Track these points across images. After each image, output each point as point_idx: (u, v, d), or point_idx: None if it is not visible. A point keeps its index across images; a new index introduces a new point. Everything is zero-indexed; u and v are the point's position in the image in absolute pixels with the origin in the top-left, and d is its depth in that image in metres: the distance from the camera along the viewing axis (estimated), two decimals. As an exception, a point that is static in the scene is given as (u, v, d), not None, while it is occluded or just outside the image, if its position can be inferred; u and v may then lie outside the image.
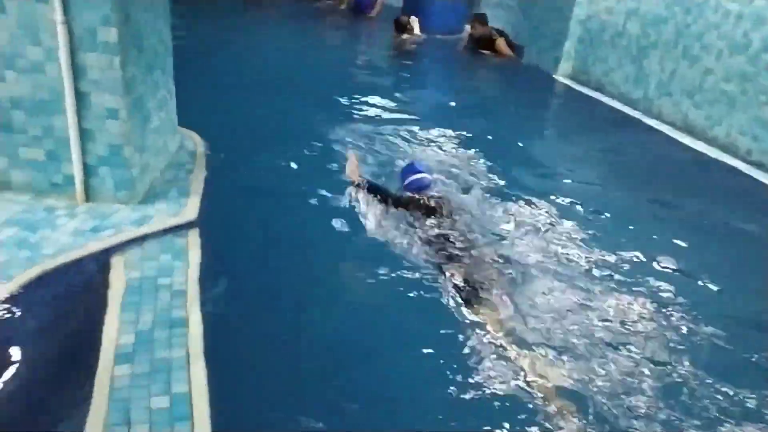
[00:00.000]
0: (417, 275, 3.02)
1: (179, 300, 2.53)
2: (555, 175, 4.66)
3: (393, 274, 3.03)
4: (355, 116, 5.44)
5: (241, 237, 3.40)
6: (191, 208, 3.13)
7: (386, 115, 5.55)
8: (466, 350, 2.56)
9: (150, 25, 3.12)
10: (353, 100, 5.82)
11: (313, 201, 3.86)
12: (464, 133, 5.17)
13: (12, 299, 2.35)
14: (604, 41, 6.80)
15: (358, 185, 3.65)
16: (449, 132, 5.19)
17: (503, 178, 4.31)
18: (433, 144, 4.93)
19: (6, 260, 2.52)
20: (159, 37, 3.30)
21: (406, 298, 2.89)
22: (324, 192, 3.92)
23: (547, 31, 7.51)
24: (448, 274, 2.99)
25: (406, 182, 3.70)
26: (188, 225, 3.04)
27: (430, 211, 3.40)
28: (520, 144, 5.26)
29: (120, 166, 2.96)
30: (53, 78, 2.75)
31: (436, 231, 3.29)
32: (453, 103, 6.34)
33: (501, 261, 3.16)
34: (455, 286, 2.92)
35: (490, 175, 4.35)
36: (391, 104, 5.88)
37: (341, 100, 5.82)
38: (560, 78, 7.29)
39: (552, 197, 4.06)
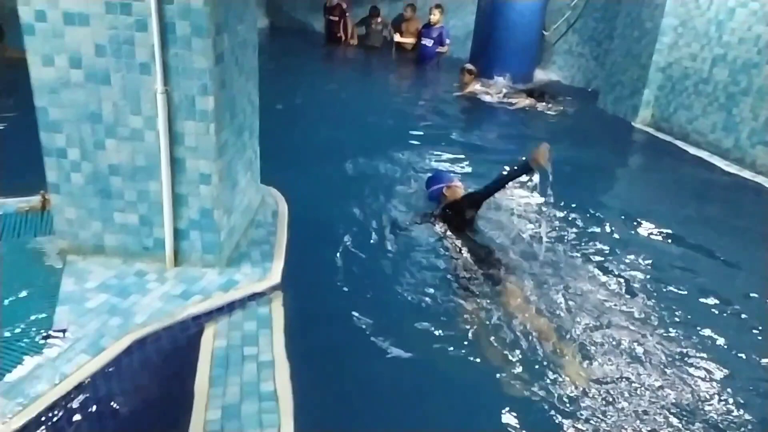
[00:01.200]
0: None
1: (266, 371, 2.45)
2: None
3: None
4: (426, 170, 5.35)
5: (326, 299, 3.33)
6: (275, 272, 3.08)
7: (466, 168, 5.45)
8: None
9: (242, 89, 3.16)
10: (429, 153, 5.75)
11: (395, 255, 3.78)
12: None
13: (102, 372, 2.32)
14: (686, 88, 6.50)
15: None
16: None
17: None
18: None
19: (98, 328, 2.51)
20: (248, 99, 3.33)
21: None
22: (405, 245, 3.86)
23: (624, 79, 7.27)
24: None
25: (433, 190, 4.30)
26: (272, 288, 2.98)
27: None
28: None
29: (209, 229, 2.95)
30: (151, 145, 2.80)
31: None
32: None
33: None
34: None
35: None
36: (466, 156, 5.78)
37: (414, 152, 5.76)
38: (639, 125, 7.01)
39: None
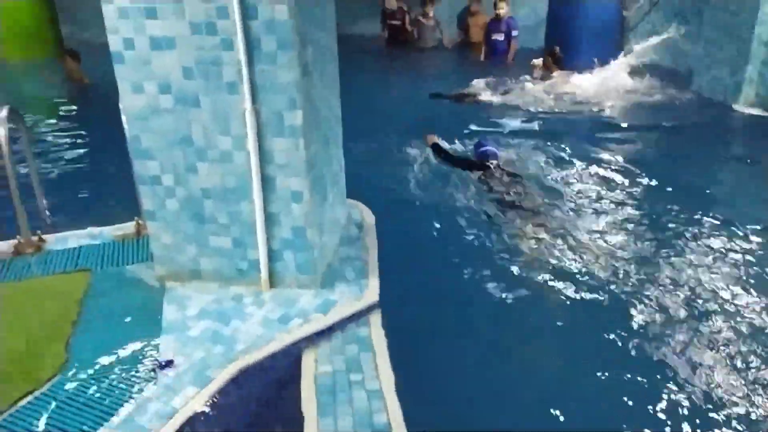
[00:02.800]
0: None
1: (377, 402, 2.29)
2: None
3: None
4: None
5: (425, 315, 3.18)
6: (371, 290, 2.93)
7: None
8: None
9: (326, 100, 3.05)
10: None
11: (491, 268, 3.57)
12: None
13: (210, 404, 2.24)
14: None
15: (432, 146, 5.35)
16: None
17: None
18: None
19: (203, 357, 2.45)
20: (331, 110, 3.22)
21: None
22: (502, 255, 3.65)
23: (721, 57, 6.67)
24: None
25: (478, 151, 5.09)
26: (370, 308, 2.84)
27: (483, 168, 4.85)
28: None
29: (303, 249, 2.85)
30: (240, 165, 2.73)
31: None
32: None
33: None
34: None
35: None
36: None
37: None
38: (742, 107, 6.40)
39: None
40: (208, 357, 2.44)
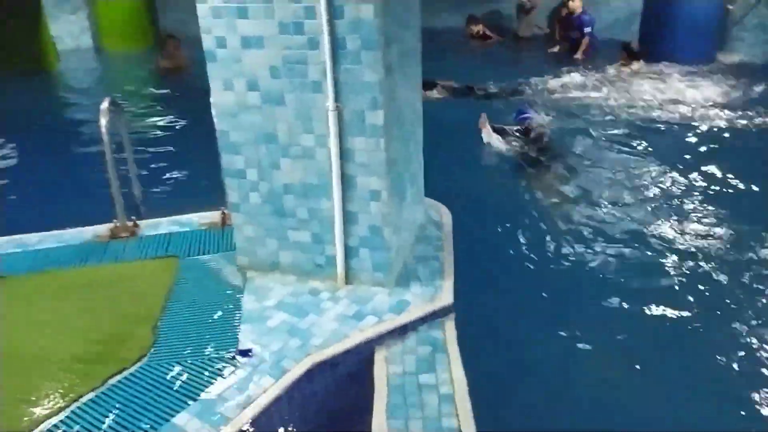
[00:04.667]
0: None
1: (448, 406, 2.27)
2: None
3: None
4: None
5: (500, 318, 3.12)
6: (446, 292, 2.90)
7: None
8: None
9: (408, 99, 3.03)
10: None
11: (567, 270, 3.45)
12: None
13: (284, 396, 2.30)
14: None
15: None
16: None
17: None
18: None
19: (279, 349, 2.52)
20: (413, 109, 3.20)
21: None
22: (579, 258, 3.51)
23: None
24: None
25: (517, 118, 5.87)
26: (444, 309, 2.81)
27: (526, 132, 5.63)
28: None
29: (379, 248, 2.86)
30: (322, 162, 2.77)
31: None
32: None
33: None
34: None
35: None
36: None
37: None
38: None
39: None
40: (285, 349, 2.51)
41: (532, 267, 3.63)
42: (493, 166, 5.28)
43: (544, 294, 3.37)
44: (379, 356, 2.56)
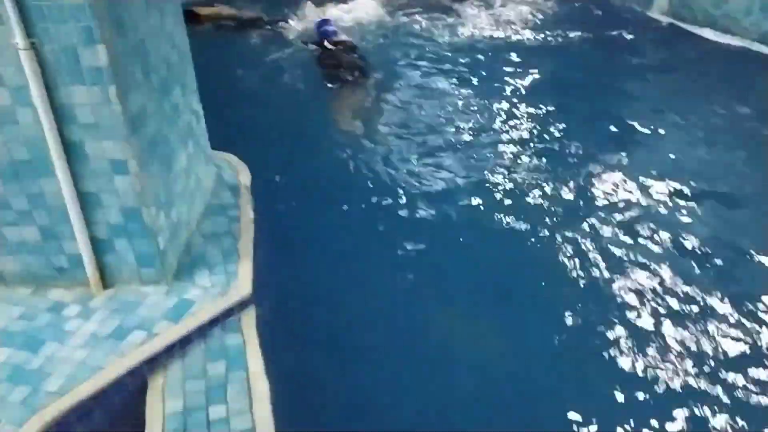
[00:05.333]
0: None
1: (247, 445, 1.70)
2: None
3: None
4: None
5: (307, 310, 2.55)
6: (243, 279, 2.27)
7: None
8: None
9: (156, 31, 2.22)
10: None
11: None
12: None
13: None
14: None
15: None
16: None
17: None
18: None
19: (-5, 409, 1.73)
20: (171, 43, 2.40)
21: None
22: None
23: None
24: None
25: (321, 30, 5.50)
26: (241, 304, 2.19)
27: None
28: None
29: (141, 234, 2.12)
30: (29, 127, 1.91)
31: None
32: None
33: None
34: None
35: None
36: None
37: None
38: (656, 15, 6.06)
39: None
40: (5, 410, 1.73)
41: (348, 224, 3.11)
42: (294, 94, 4.60)
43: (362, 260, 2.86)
44: (153, 387, 1.89)
